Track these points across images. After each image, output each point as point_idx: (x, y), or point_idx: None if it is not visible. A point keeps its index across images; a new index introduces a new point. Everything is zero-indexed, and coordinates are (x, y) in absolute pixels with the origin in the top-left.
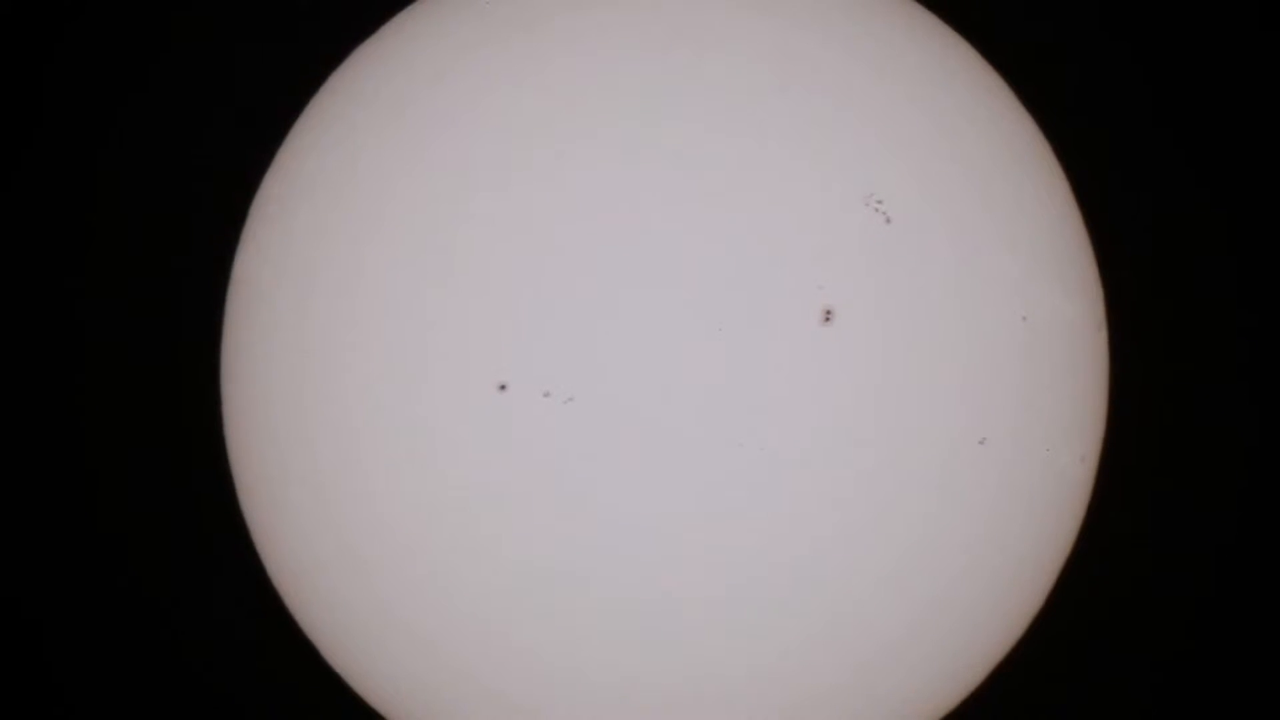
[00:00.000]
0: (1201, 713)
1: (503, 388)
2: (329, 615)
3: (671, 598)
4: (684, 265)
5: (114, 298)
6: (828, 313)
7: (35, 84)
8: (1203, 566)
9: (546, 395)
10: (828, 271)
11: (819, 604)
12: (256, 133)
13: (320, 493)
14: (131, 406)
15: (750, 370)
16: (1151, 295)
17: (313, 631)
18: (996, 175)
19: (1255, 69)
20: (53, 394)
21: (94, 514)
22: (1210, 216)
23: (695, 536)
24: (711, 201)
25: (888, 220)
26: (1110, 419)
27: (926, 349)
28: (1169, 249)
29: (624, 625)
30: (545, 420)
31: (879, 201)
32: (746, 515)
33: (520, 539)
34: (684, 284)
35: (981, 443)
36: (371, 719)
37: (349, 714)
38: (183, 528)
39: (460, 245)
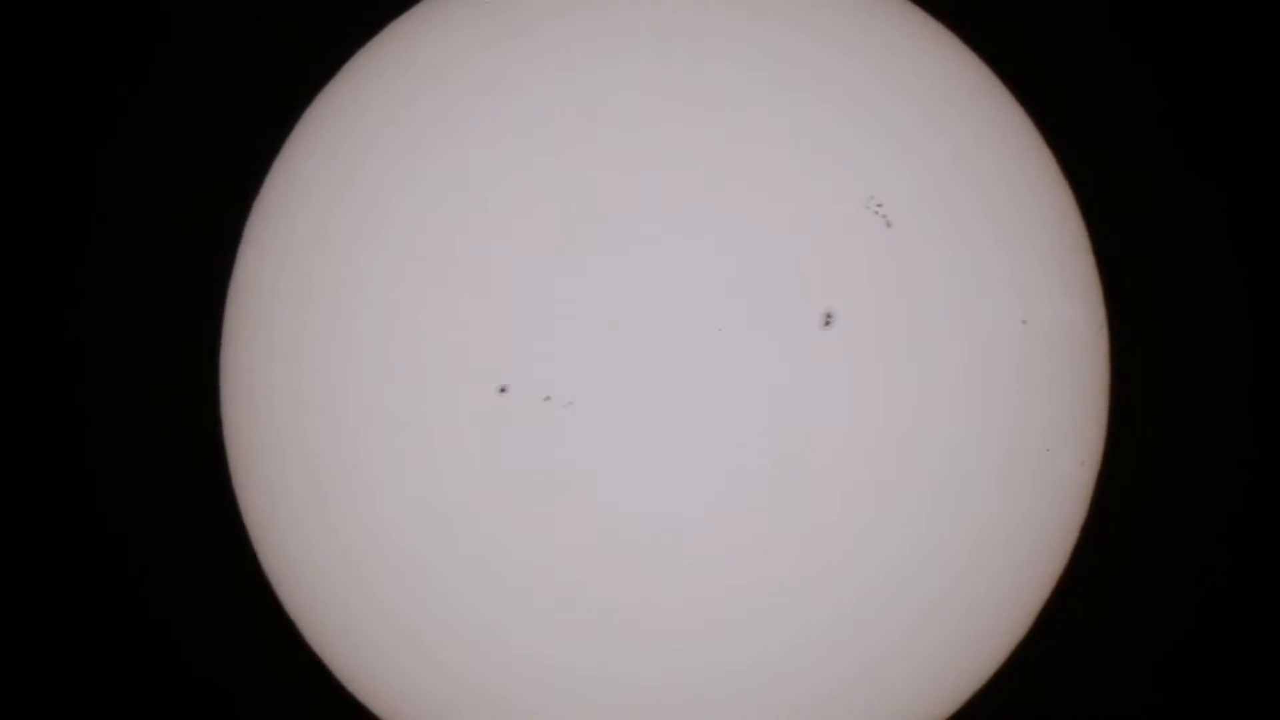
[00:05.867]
0: (1201, 714)
1: (503, 391)
2: (327, 616)
3: (672, 600)
4: (684, 269)
5: (115, 299)
6: (828, 316)
7: (35, 85)
8: (1203, 569)
9: (547, 399)
10: (828, 275)
11: (819, 606)
12: (257, 136)
13: (320, 495)
14: (132, 408)
15: (750, 373)
16: (1152, 297)
17: (311, 632)
18: (996, 178)
19: (1255, 69)
20: (53, 395)
21: (94, 514)
22: (1211, 218)
23: (696, 539)
24: (712, 205)
25: (888, 224)
26: (1111, 422)
27: (926, 352)
28: (1169, 251)
29: (624, 628)
30: (546, 423)
31: (879, 205)
32: (746, 518)
33: (520, 542)
34: (684, 287)
35: (981, 445)
36: None
37: (346, 715)
38: (182, 528)
39: (460, 248)
